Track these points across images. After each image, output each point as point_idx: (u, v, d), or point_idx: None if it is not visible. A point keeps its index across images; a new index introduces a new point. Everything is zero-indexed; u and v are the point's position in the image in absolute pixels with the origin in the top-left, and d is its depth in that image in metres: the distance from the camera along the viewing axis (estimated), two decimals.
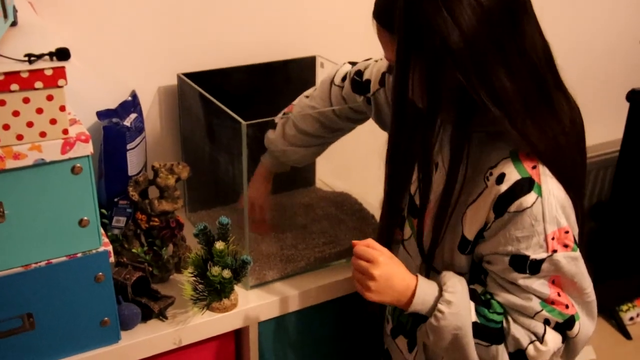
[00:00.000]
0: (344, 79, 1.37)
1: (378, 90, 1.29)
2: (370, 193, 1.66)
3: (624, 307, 2.20)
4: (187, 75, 1.47)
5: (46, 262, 1.04)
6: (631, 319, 2.20)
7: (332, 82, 1.39)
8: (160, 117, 1.55)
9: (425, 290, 1.07)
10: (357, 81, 1.33)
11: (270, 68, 1.58)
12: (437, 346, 1.08)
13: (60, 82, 0.93)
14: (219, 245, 1.20)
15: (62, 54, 0.92)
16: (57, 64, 0.92)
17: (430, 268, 1.13)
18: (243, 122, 1.20)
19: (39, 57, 0.91)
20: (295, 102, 1.43)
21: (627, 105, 1.87)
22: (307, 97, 1.44)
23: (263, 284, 1.36)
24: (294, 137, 1.40)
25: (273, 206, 1.57)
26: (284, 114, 1.42)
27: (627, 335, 2.18)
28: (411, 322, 1.18)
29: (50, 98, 0.93)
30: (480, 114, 1.00)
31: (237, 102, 1.37)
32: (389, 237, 1.19)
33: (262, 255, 1.41)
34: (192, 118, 1.50)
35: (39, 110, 0.93)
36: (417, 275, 1.08)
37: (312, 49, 1.64)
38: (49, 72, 0.91)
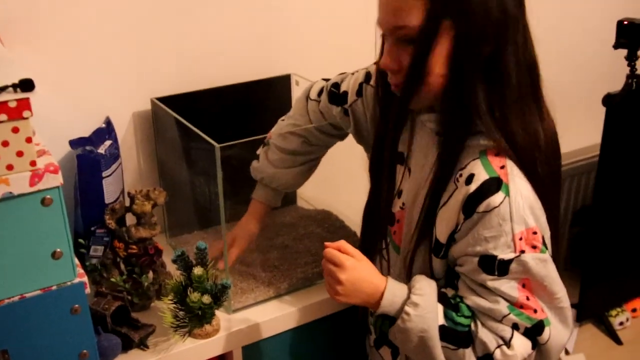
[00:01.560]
0: (319, 93, 1.37)
1: (355, 101, 1.28)
2: (351, 209, 1.65)
3: (613, 312, 2.20)
4: (161, 99, 1.46)
5: (20, 296, 1.02)
6: (621, 323, 2.20)
7: (307, 97, 1.38)
8: (136, 142, 1.53)
9: (394, 292, 1.07)
10: (334, 93, 1.32)
11: (245, 88, 1.58)
12: (404, 348, 1.09)
13: (26, 113, 0.91)
14: (198, 270, 1.18)
15: (27, 85, 0.91)
16: (21, 95, 0.90)
17: (409, 274, 1.12)
18: (216, 145, 1.19)
19: (3, 89, 0.90)
20: (272, 130, 1.42)
21: (604, 109, 1.88)
22: (282, 120, 1.43)
23: (246, 307, 1.34)
24: (280, 160, 1.38)
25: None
26: (264, 144, 1.40)
27: (618, 341, 2.17)
28: (382, 323, 1.15)
29: (15, 130, 0.92)
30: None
31: (213, 124, 1.36)
32: (371, 246, 1.19)
33: (244, 277, 1.39)
34: (168, 142, 1.48)
35: (5, 143, 0.92)
36: (387, 277, 1.09)
37: (286, 67, 1.64)
38: (12, 104, 0.90)
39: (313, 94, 1.38)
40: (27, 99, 0.91)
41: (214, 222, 1.47)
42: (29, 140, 0.93)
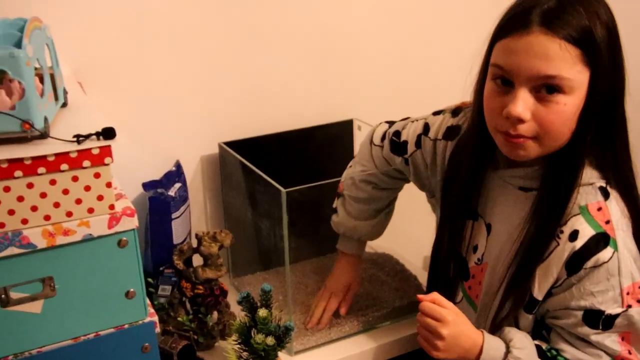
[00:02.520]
0: (382, 138, 1.38)
1: (415, 152, 1.29)
2: (411, 253, 1.65)
3: None
4: (228, 143, 1.52)
5: (94, 334, 1.06)
6: None
7: (371, 142, 1.39)
8: (203, 185, 1.59)
9: (491, 346, 1.06)
10: (395, 142, 1.33)
11: (309, 133, 1.62)
12: None
13: (107, 160, 0.97)
14: (262, 312, 1.20)
15: (108, 133, 0.96)
16: (103, 143, 0.96)
17: (494, 330, 1.12)
18: (282, 190, 1.23)
19: (87, 137, 0.95)
20: (341, 179, 1.44)
21: None
22: (350, 166, 1.45)
23: (307, 350, 1.36)
24: (357, 210, 1.39)
25: (318, 269, 1.58)
26: (338, 194, 1.42)
27: None
28: None
29: (97, 176, 0.97)
30: None
31: (277, 168, 1.40)
32: (453, 291, 1.18)
33: (304, 320, 1.41)
34: (234, 185, 1.53)
35: (87, 188, 0.97)
36: (482, 331, 1.08)
37: (349, 112, 1.67)
38: (95, 152, 0.95)
39: (377, 139, 1.38)
40: (109, 146, 0.96)
41: (276, 263, 1.50)
42: (109, 185, 0.99)
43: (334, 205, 1.43)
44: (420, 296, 1.10)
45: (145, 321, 1.10)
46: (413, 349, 1.43)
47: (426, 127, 1.27)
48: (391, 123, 1.39)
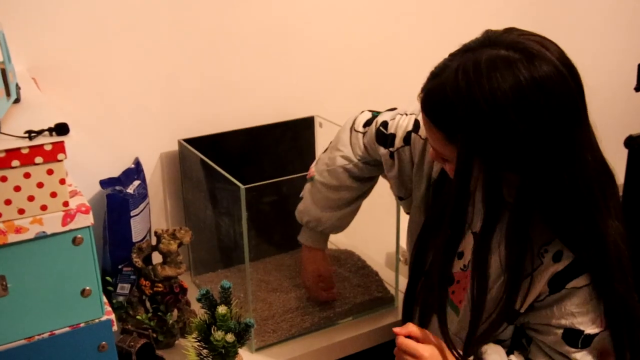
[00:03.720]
0: (365, 124, 1.33)
1: (402, 147, 1.25)
2: (374, 250, 1.66)
3: None
4: (188, 140, 1.51)
5: (49, 333, 1.05)
6: None
7: (352, 128, 1.35)
8: (163, 182, 1.57)
9: None
10: (382, 132, 1.28)
11: (270, 130, 1.62)
12: None
13: (60, 156, 0.95)
14: (221, 309, 1.20)
15: (61, 129, 0.95)
16: (56, 139, 0.94)
17: (473, 337, 1.11)
18: (242, 186, 1.22)
19: (39, 132, 0.94)
20: (313, 165, 1.40)
21: (625, 151, 1.88)
22: (324, 152, 1.40)
23: (268, 346, 1.36)
24: (324, 199, 1.36)
25: (279, 266, 1.58)
26: (307, 180, 1.39)
27: None
28: None
29: (50, 172, 0.96)
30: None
31: (238, 165, 1.39)
32: (442, 301, 1.16)
33: (267, 317, 1.41)
34: (194, 182, 1.52)
35: (40, 185, 0.95)
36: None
37: (310, 109, 1.67)
38: (48, 147, 0.94)
39: (359, 126, 1.34)
40: (62, 142, 0.95)
41: (238, 261, 1.50)
42: (62, 181, 0.97)
43: (301, 195, 1.40)
44: (396, 330, 1.10)
45: (101, 320, 1.08)
46: (374, 345, 1.44)
47: (417, 124, 1.23)
48: (375, 113, 1.35)
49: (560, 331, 1.03)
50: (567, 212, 0.99)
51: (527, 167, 0.96)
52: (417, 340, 1.09)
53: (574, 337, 1.03)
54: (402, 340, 1.08)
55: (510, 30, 0.98)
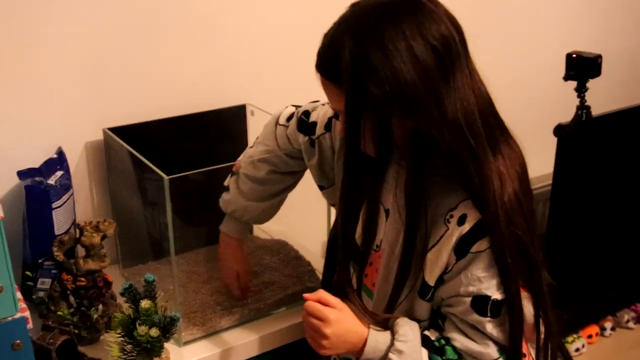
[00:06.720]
0: (289, 118, 1.34)
1: (323, 134, 1.26)
2: (308, 238, 1.65)
3: (569, 339, 2.22)
4: (114, 129, 1.46)
5: None
6: (577, 350, 2.22)
7: (276, 122, 1.36)
8: (89, 173, 1.52)
9: (377, 339, 1.06)
10: (304, 121, 1.30)
11: (200, 118, 1.58)
12: None
13: None
14: (145, 303, 1.17)
15: None
16: None
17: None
18: (165, 177, 1.19)
19: None
20: (239, 158, 1.40)
21: (555, 140, 1.92)
22: (251, 146, 1.41)
23: (197, 340, 1.33)
24: (251, 191, 1.36)
25: (210, 258, 1.55)
26: (232, 173, 1.38)
27: None
28: None
29: None
30: (432, 157, 1.02)
31: (167, 155, 1.35)
32: (347, 276, 1.16)
33: (196, 309, 1.38)
34: (120, 173, 1.48)
35: None
36: (369, 325, 1.08)
37: (241, 97, 1.64)
38: None
39: (282, 119, 1.35)
40: None
41: (167, 253, 1.46)
42: None
43: (226, 183, 1.39)
44: (306, 295, 1.09)
45: (15, 317, 1.04)
46: None
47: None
48: (298, 107, 1.36)
49: (468, 299, 1.02)
50: (454, 148, 0.99)
51: (409, 108, 0.98)
52: (328, 306, 1.08)
53: (482, 304, 1.02)
54: (309, 303, 1.08)
55: None
